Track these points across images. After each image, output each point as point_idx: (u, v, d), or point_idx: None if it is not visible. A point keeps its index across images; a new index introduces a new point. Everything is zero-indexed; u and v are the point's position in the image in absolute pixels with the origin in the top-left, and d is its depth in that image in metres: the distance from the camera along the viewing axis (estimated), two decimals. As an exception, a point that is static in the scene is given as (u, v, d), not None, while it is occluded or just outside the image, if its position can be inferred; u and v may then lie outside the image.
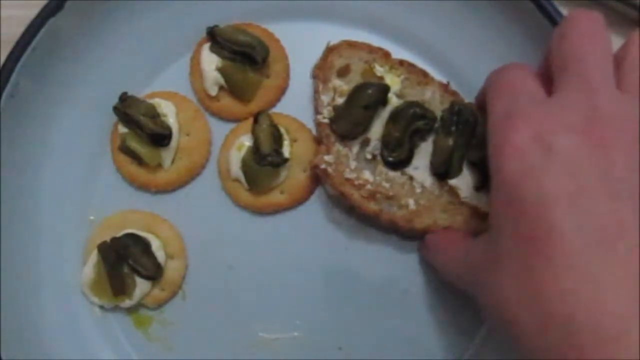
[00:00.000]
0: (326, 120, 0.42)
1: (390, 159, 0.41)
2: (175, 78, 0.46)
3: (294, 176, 0.44)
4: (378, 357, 0.43)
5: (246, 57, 0.44)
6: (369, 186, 0.41)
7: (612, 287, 0.27)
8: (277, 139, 0.43)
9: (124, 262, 0.42)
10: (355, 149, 0.42)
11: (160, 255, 0.43)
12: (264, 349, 0.43)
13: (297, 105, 0.45)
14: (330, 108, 0.42)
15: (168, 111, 0.44)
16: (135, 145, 0.43)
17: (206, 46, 0.44)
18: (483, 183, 0.41)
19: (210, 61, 0.44)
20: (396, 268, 0.44)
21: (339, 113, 0.41)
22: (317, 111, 0.42)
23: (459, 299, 0.42)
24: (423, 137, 0.42)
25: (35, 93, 0.42)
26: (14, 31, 0.41)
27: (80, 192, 0.45)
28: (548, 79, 0.34)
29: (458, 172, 0.41)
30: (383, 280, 0.43)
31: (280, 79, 0.45)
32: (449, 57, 0.45)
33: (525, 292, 0.29)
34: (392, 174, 0.42)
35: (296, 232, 0.44)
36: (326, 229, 0.44)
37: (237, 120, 0.45)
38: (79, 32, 0.43)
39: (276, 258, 0.44)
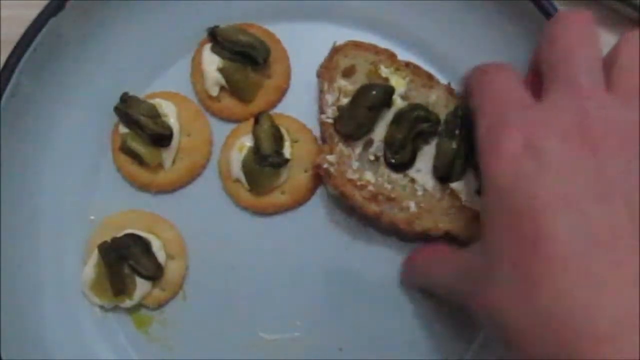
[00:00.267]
0: (330, 120, 0.42)
1: (393, 160, 0.41)
2: (176, 78, 0.46)
3: (295, 177, 0.44)
4: (378, 357, 0.43)
5: (247, 57, 0.44)
6: (370, 187, 0.41)
7: (606, 289, 0.27)
8: (278, 139, 0.43)
9: (125, 262, 0.42)
10: (358, 149, 0.42)
11: (160, 255, 0.43)
12: (264, 349, 0.43)
13: (298, 105, 0.45)
14: (334, 108, 0.42)
15: (169, 111, 0.44)
16: (135, 145, 0.43)
17: (207, 46, 0.44)
18: None
19: (211, 61, 0.44)
20: (397, 268, 0.43)
21: (343, 113, 0.41)
22: (321, 111, 0.42)
23: (459, 300, 0.42)
24: (426, 140, 0.42)
25: (35, 93, 0.42)
26: (15, 31, 0.40)
27: (81, 192, 0.44)
28: (537, 80, 0.34)
29: (460, 176, 0.41)
30: (384, 281, 0.43)
31: (281, 80, 0.45)
32: (449, 57, 0.45)
33: (519, 296, 0.29)
34: (394, 175, 0.42)
35: (297, 233, 0.44)
36: (327, 230, 0.44)
37: (238, 120, 0.45)
38: (80, 32, 0.43)
39: (277, 258, 0.44)
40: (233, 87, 0.44)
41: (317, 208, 0.44)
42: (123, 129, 0.44)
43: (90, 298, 0.43)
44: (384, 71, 0.42)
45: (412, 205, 0.41)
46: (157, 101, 0.44)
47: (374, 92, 0.41)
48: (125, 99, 0.43)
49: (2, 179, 0.41)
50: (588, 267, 0.27)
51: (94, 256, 0.42)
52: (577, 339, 0.27)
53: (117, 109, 0.43)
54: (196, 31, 0.45)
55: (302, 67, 0.45)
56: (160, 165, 0.44)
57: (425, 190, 0.41)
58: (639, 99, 0.31)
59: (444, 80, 0.44)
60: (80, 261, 0.44)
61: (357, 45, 0.43)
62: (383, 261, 0.44)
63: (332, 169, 0.40)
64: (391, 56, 0.43)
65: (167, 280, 0.43)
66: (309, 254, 0.44)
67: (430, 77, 0.43)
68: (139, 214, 0.44)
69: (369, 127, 0.41)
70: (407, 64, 0.43)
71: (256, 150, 0.42)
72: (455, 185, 0.41)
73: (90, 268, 0.42)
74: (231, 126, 0.45)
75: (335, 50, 0.43)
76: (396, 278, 0.44)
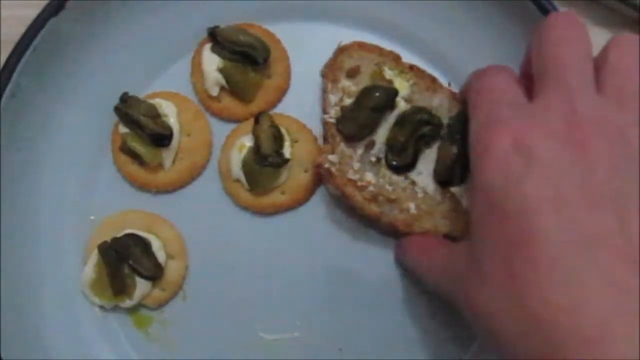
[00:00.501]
0: (333, 120, 0.41)
1: (394, 162, 0.41)
2: (176, 78, 0.46)
3: (295, 177, 0.44)
4: (378, 357, 0.43)
5: (247, 57, 0.44)
6: (371, 188, 0.41)
7: (594, 291, 0.27)
8: (278, 139, 0.43)
9: (125, 262, 0.42)
10: (360, 150, 0.42)
11: (160, 255, 0.43)
12: (264, 349, 0.43)
13: (298, 105, 0.45)
14: (337, 108, 0.42)
15: (169, 111, 0.44)
16: (136, 145, 0.43)
17: (207, 46, 0.44)
18: None
19: (211, 61, 0.44)
20: (396, 268, 0.44)
21: (346, 114, 0.41)
22: (324, 110, 0.42)
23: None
24: (428, 143, 0.42)
25: (35, 93, 0.42)
26: (15, 31, 0.40)
27: (81, 192, 0.44)
28: (530, 81, 0.34)
29: (461, 180, 0.41)
30: (383, 281, 0.43)
31: (281, 80, 0.45)
32: (450, 57, 0.45)
33: (507, 297, 0.29)
34: (395, 177, 0.42)
35: (297, 233, 0.44)
36: (327, 230, 0.44)
37: (238, 120, 0.45)
38: (80, 32, 0.43)
39: (276, 258, 0.44)
40: (233, 87, 0.44)
41: (317, 208, 0.44)
42: (123, 129, 0.44)
43: (90, 298, 0.43)
44: (388, 73, 0.42)
45: (412, 207, 0.41)
46: (157, 101, 0.44)
47: (377, 94, 0.41)
48: (125, 99, 0.43)
49: (2, 179, 0.41)
50: (574, 270, 0.27)
51: (94, 256, 0.42)
52: (564, 341, 0.27)
53: (117, 109, 0.43)
54: (196, 31, 0.45)
55: (302, 67, 0.45)
56: (160, 165, 0.44)
57: (425, 192, 0.41)
58: (628, 100, 0.31)
59: (444, 81, 0.44)
60: (80, 261, 0.44)
61: (362, 46, 0.43)
62: (383, 261, 0.44)
63: (333, 169, 0.40)
64: (396, 58, 0.43)
65: (167, 280, 0.43)
66: (308, 254, 0.44)
67: (434, 80, 0.43)
68: (139, 214, 0.44)
69: (372, 129, 0.41)
70: (412, 67, 0.43)
71: (256, 150, 0.42)
72: (455, 189, 0.41)
73: (90, 268, 0.42)
74: (231, 126, 0.45)
75: (340, 51, 0.43)
76: (396, 278, 0.44)
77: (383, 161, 0.42)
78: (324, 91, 0.43)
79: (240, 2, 0.46)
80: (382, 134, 0.42)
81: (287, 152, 0.43)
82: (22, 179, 0.43)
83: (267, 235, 0.44)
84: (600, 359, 0.26)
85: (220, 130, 0.45)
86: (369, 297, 0.43)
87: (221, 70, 0.44)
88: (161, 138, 0.43)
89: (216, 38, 0.44)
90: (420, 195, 0.41)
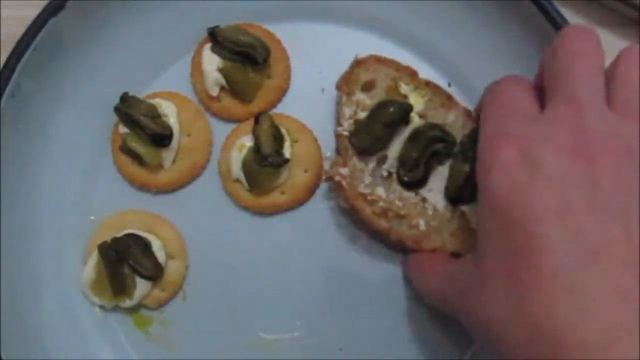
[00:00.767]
0: (346, 133, 0.41)
1: (406, 178, 0.41)
2: (176, 78, 0.46)
3: (295, 177, 0.44)
4: (378, 357, 0.43)
5: (247, 57, 0.44)
6: (381, 203, 0.41)
7: (598, 300, 0.27)
8: (278, 139, 0.43)
9: (125, 262, 0.42)
10: (372, 164, 0.41)
11: (160, 255, 0.43)
12: (264, 349, 0.43)
13: (298, 105, 0.45)
14: (351, 121, 0.41)
15: (169, 111, 0.44)
16: (136, 145, 0.43)
17: (207, 46, 0.44)
18: None
19: (211, 61, 0.44)
20: (396, 269, 0.44)
21: (359, 127, 0.41)
22: (337, 123, 0.42)
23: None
24: (441, 160, 0.41)
25: (35, 93, 0.42)
26: (14, 31, 0.40)
27: (81, 192, 0.44)
28: (543, 92, 0.34)
29: (471, 199, 0.40)
30: (383, 281, 0.43)
31: (282, 80, 0.45)
32: (450, 57, 0.45)
33: (512, 307, 0.29)
34: (405, 193, 0.41)
35: (297, 233, 0.44)
36: (327, 230, 0.44)
37: (238, 120, 0.45)
38: (80, 32, 0.43)
39: (276, 258, 0.44)
40: (233, 87, 0.44)
41: (317, 208, 0.44)
42: (123, 129, 0.44)
43: (90, 298, 0.43)
44: (404, 88, 0.42)
45: (422, 224, 0.41)
46: (157, 101, 0.44)
47: (391, 109, 0.40)
48: (125, 99, 0.43)
49: (2, 179, 0.41)
50: (578, 280, 0.27)
51: (94, 256, 0.42)
52: (568, 349, 0.27)
53: (117, 109, 0.43)
54: (196, 31, 0.45)
55: (302, 67, 0.45)
56: (160, 165, 0.44)
57: (435, 210, 0.41)
58: (637, 114, 0.31)
59: (443, 81, 0.44)
60: (80, 261, 0.44)
61: (379, 60, 0.42)
62: (383, 261, 0.44)
63: (344, 182, 0.40)
64: (412, 74, 0.43)
65: (167, 280, 0.43)
66: (308, 254, 0.44)
67: (449, 97, 0.42)
68: (139, 214, 0.44)
69: (384, 143, 0.41)
70: (427, 83, 0.42)
71: (256, 150, 0.42)
72: (465, 208, 0.40)
73: (90, 268, 0.42)
74: (231, 126, 0.45)
75: (357, 64, 0.42)
76: (396, 278, 0.43)
77: (394, 176, 0.41)
78: (338, 103, 0.42)
79: (240, 2, 0.46)
80: (394, 149, 0.41)
81: (287, 152, 0.43)
82: (22, 179, 0.43)
83: (267, 235, 0.44)
84: None
85: (220, 130, 0.45)
86: (369, 297, 0.43)
87: (221, 70, 0.44)
88: (161, 138, 0.43)
89: (216, 38, 0.44)
90: (430, 212, 0.41)
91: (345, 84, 0.42)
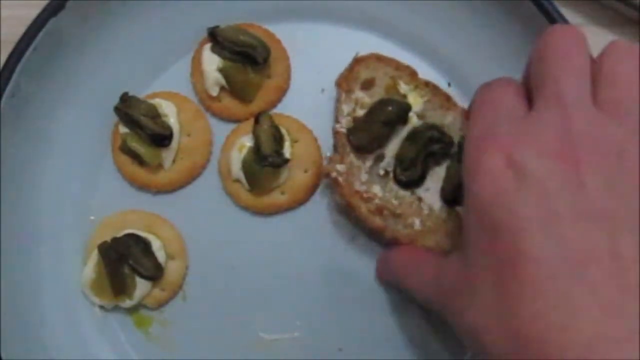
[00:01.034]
0: (344, 130, 0.41)
1: (402, 177, 0.41)
2: (176, 78, 0.46)
3: (295, 177, 0.44)
4: (378, 357, 0.43)
5: (247, 57, 0.44)
6: (377, 201, 0.41)
7: (583, 310, 0.27)
8: (278, 139, 0.43)
9: (125, 262, 0.42)
10: (369, 162, 0.41)
11: (160, 255, 0.43)
12: (264, 349, 0.43)
13: (298, 105, 0.45)
14: (349, 119, 0.41)
15: (169, 111, 0.44)
16: (136, 145, 0.43)
17: (207, 46, 0.44)
18: None
19: (211, 61, 0.44)
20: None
21: (357, 125, 0.41)
22: (336, 120, 0.42)
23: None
24: (438, 161, 0.41)
25: (35, 93, 0.42)
26: (14, 31, 0.40)
27: (81, 192, 0.44)
28: (530, 91, 0.34)
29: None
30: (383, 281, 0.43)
31: (282, 80, 0.45)
32: (450, 57, 0.45)
33: (497, 314, 0.29)
34: (402, 192, 0.41)
35: (297, 233, 0.44)
36: (327, 230, 0.44)
37: (238, 120, 0.45)
38: (80, 32, 0.43)
39: (276, 258, 0.44)
40: (233, 87, 0.44)
41: (317, 208, 0.44)
42: (123, 129, 0.44)
43: (90, 298, 0.43)
44: (403, 87, 0.42)
45: (417, 223, 0.41)
46: (157, 101, 0.44)
47: (390, 108, 0.40)
48: (125, 99, 0.43)
49: (2, 179, 0.41)
50: (564, 290, 0.27)
51: (94, 256, 0.42)
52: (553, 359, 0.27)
53: (117, 109, 0.43)
54: (196, 31, 0.45)
55: (302, 67, 0.46)
56: (160, 165, 0.44)
57: (431, 210, 0.41)
58: (623, 113, 0.30)
59: (443, 81, 0.44)
60: (80, 261, 0.44)
61: (379, 58, 0.42)
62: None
63: (340, 178, 0.40)
64: (412, 74, 0.43)
65: (167, 280, 0.43)
66: (308, 254, 0.44)
67: (448, 98, 0.42)
68: (139, 214, 0.44)
69: (382, 142, 0.41)
70: (427, 84, 0.42)
71: (256, 150, 0.42)
72: (461, 209, 0.40)
73: (90, 268, 0.42)
74: (231, 126, 0.45)
75: (357, 61, 0.42)
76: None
77: (391, 175, 0.41)
78: (337, 100, 0.42)
79: (240, 2, 0.46)
80: (392, 148, 0.41)
81: (287, 152, 0.43)
82: (23, 179, 0.43)
83: (267, 235, 0.44)
84: None
85: (220, 130, 0.45)
86: (369, 297, 0.43)
87: (221, 70, 0.44)
88: (161, 138, 0.43)
89: (216, 38, 0.44)
90: (425, 211, 0.41)
91: (345, 82, 0.42)
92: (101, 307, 0.43)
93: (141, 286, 0.42)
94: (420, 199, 0.41)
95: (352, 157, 0.41)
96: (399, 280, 0.41)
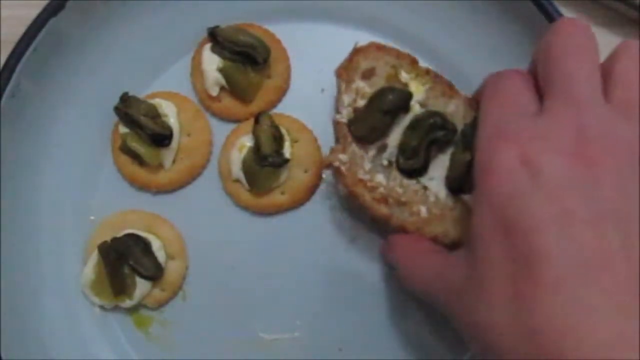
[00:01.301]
0: (345, 121, 0.40)
1: (405, 166, 0.40)
2: (176, 78, 0.46)
3: (295, 177, 0.44)
4: (378, 357, 0.43)
5: (247, 57, 0.44)
6: (381, 189, 0.40)
7: (597, 312, 0.27)
8: (278, 139, 0.43)
9: (125, 262, 0.42)
10: (372, 153, 0.40)
11: (160, 255, 0.43)
12: (264, 349, 0.43)
13: (298, 105, 0.45)
14: (350, 109, 0.41)
15: (169, 111, 0.44)
16: (136, 145, 0.43)
17: (207, 46, 0.44)
18: None
19: (211, 61, 0.44)
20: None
21: (358, 115, 0.40)
22: (336, 110, 0.41)
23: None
24: (441, 148, 0.40)
25: (35, 93, 0.42)
26: (15, 31, 0.40)
27: (81, 192, 0.44)
28: (537, 85, 0.34)
29: (472, 188, 0.40)
30: (383, 281, 0.43)
31: (282, 80, 0.45)
32: (450, 56, 0.45)
33: (510, 314, 0.29)
34: (406, 181, 0.40)
35: (297, 233, 0.44)
36: (327, 230, 0.44)
37: (238, 120, 0.45)
38: (80, 32, 0.43)
39: (276, 258, 0.44)
40: (233, 87, 0.44)
41: (317, 208, 0.44)
42: (123, 129, 0.44)
43: (90, 298, 0.43)
44: (404, 76, 0.41)
45: (424, 210, 0.40)
46: (157, 101, 0.44)
47: (390, 96, 0.39)
48: (125, 99, 0.43)
49: (2, 179, 0.41)
50: (579, 290, 0.27)
51: (94, 256, 0.42)
52: None
53: (117, 109, 0.43)
54: (196, 31, 0.45)
55: (302, 67, 0.46)
56: (160, 165, 0.44)
57: (437, 198, 0.40)
58: (637, 111, 0.30)
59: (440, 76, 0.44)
60: (80, 261, 0.44)
61: (379, 47, 0.42)
62: (383, 261, 0.43)
63: (343, 168, 0.39)
64: (413, 62, 0.42)
65: (167, 280, 0.43)
66: (308, 254, 0.44)
67: (450, 86, 0.41)
68: (139, 214, 0.44)
69: (384, 132, 0.40)
70: (428, 71, 0.41)
71: (256, 150, 0.42)
72: (467, 197, 0.39)
73: (90, 268, 0.42)
74: (231, 126, 0.45)
75: (356, 51, 0.41)
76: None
77: (395, 165, 0.41)
78: (338, 91, 0.41)
79: (240, 2, 0.46)
80: (394, 138, 0.40)
81: (287, 152, 0.43)
82: (22, 179, 0.43)
83: (267, 235, 0.44)
84: None
85: (220, 130, 0.45)
86: (369, 297, 0.43)
87: (221, 70, 0.44)
88: (161, 138, 0.43)
89: (216, 38, 0.44)
90: (432, 199, 0.40)
91: (345, 72, 0.41)
92: (101, 307, 0.43)
93: (141, 286, 0.42)
94: (425, 188, 0.40)
95: (354, 147, 0.40)
96: (396, 265, 0.40)
